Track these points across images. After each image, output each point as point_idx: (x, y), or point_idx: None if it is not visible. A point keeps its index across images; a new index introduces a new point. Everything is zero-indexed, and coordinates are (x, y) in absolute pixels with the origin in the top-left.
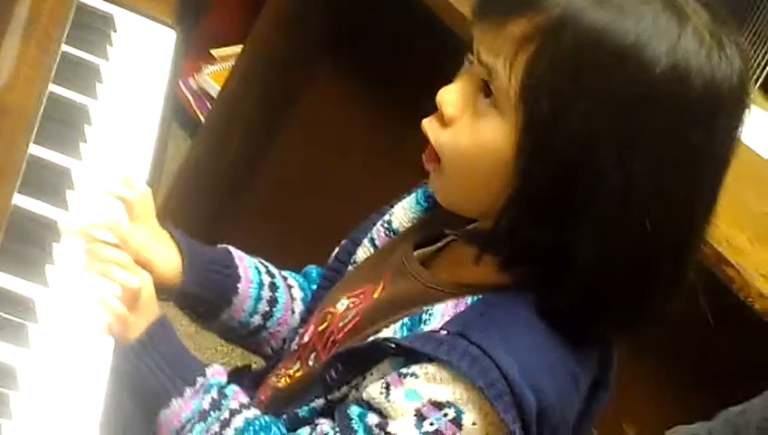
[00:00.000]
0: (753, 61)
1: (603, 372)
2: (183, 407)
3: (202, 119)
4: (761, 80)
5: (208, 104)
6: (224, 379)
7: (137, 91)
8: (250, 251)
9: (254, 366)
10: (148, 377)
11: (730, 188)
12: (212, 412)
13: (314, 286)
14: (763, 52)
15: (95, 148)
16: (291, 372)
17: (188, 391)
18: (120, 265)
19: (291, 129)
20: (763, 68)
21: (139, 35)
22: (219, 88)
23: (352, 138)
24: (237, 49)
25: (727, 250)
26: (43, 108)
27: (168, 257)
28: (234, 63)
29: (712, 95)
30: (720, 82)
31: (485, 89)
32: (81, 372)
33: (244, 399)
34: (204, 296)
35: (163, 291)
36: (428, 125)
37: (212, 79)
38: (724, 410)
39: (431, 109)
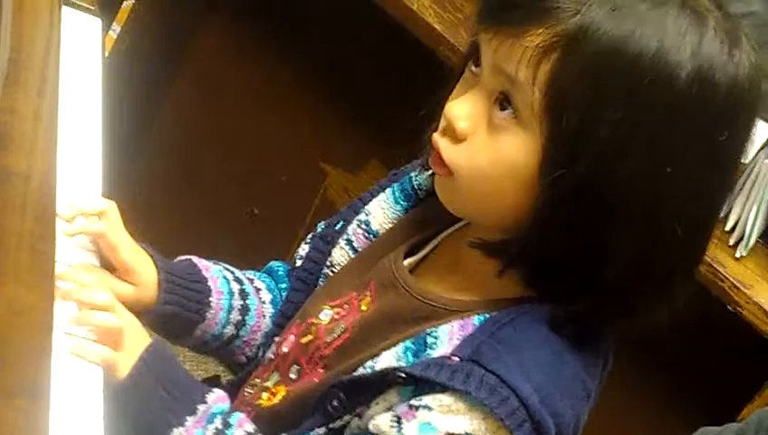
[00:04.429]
0: None
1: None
2: None
3: None
4: None
5: None
6: (227, 405)
7: (72, 84)
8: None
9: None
10: (147, 407)
11: None
12: None
13: (282, 285)
14: None
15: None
16: (269, 384)
17: (190, 419)
18: (101, 307)
19: (183, 86)
20: None
21: (63, 26)
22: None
23: (249, 95)
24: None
25: None
26: None
27: (148, 272)
28: (124, 23)
29: (737, 94)
30: (743, 81)
31: (503, 102)
32: (75, 403)
33: (250, 427)
34: (179, 315)
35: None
36: (441, 140)
37: None
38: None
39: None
